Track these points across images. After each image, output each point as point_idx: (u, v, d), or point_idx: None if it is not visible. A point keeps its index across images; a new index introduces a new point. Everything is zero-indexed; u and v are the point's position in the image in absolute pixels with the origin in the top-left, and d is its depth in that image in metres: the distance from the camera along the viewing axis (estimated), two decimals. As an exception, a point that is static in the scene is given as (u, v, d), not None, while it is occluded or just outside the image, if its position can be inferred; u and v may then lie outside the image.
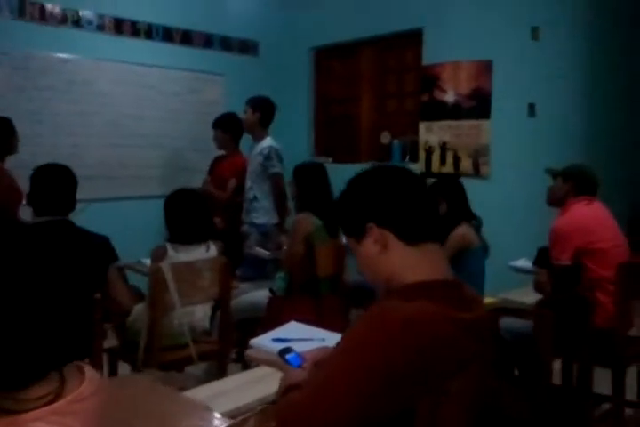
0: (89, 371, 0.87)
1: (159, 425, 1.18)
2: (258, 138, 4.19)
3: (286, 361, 1.51)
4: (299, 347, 1.62)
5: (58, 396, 0.80)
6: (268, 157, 4.03)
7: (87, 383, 0.85)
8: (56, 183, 2.36)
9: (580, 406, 2.24)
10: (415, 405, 1.07)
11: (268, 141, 4.12)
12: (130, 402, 1.27)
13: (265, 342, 1.85)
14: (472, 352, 1.16)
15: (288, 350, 1.56)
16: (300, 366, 1.47)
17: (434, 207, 1.29)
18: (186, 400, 1.37)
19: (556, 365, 2.71)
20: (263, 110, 4.16)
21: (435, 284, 1.18)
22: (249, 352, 1.88)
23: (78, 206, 2.48)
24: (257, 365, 1.90)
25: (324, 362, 1.16)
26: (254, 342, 1.89)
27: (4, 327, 0.80)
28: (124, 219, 4.55)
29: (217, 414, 1.32)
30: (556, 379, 2.72)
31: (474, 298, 1.25)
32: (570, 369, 2.68)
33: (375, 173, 1.31)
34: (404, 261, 1.20)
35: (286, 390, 1.28)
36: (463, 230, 3.15)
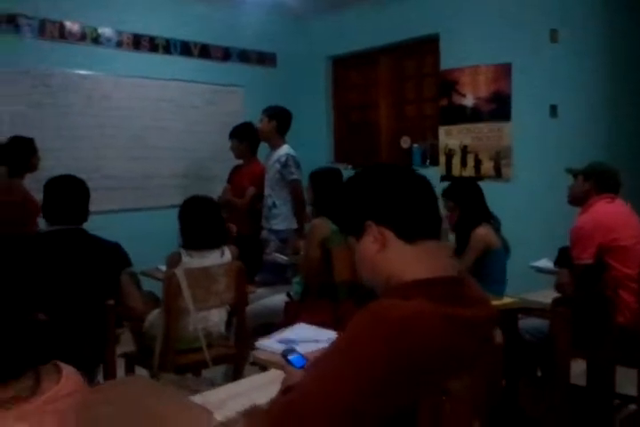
0: (66, 370, 0.86)
1: (148, 424, 1.16)
2: (275, 146, 4.24)
3: (289, 362, 1.49)
4: (305, 348, 1.60)
5: (32, 394, 0.80)
6: (285, 165, 4.08)
7: (64, 382, 0.84)
8: (68, 194, 2.39)
9: (603, 406, 2.16)
10: (415, 405, 1.03)
11: (285, 149, 4.17)
12: (124, 402, 1.26)
13: (271, 343, 1.84)
14: (473, 351, 1.12)
15: (291, 351, 1.54)
16: (302, 367, 1.44)
17: (434, 205, 1.25)
18: (185, 402, 1.35)
19: (582, 366, 2.64)
20: (279, 119, 4.21)
21: (434, 281, 1.14)
22: (255, 353, 1.87)
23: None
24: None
25: (318, 360, 1.13)
26: (261, 343, 1.87)
27: None
28: (146, 229, 4.62)
29: (217, 417, 1.29)
30: (582, 380, 2.64)
31: (478, 296, 1.20)
32: (594, 370, 2.60)
33: (374, 170, 1.29)
34: (403, 260, 1.18)
35: (285, 390, 1.26)
36: (484, 231, 3.12)
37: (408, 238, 1.18)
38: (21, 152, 3.72)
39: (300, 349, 1.58)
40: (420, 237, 1.18)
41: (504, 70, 4.55)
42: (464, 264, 3.06)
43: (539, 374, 2.88)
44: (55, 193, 2.39)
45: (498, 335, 1.28)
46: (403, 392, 1.02)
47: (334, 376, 1.03)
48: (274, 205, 4.15)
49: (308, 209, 3.85)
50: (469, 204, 3.20)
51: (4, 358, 0.80)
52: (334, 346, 1.09)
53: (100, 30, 4.66)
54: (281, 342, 1.84)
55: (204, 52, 5.30)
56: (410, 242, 1.18)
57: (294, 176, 4.08)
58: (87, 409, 0.88)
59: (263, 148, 4.51)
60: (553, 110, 4.37)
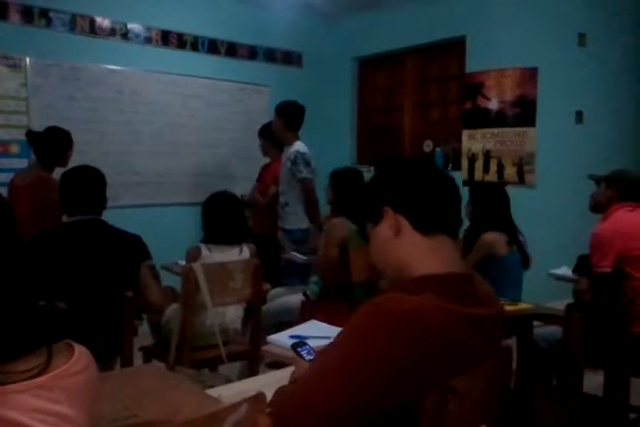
0: (79, 349, 0.89)
1: (159, 409, 1.20)
2: (288, 143, 4.19)
3: (299, 354, 1.51)
4: (315, 344, 1.61)
5: (44, 370, 0.82)
6: (294, 163, 4.02)
7: (75, 361, 0.86)
8: (85, 183, 2.42)
9: (617, 419, 2.14)
10: (419, 400, 1.04)
11: (295, 146, 4.10)
12: (134, 387, 1.30)
13: (283, 338, 1.86)
14: (480, 350, 1.12)
15: (301, 344, 1.57)
16: (311, 361, 1.46)
17: (455, 203, 1.25)
18: (195, 390, 1.39)
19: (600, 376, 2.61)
20: (286, 114, 4.15)
21: (443, 277, 1.15)
22: (265, 348, 1.89)
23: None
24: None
25: (323, 352, 1.15)
26: (272, 338, 1.90)
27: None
28: (168, 224, 4.69)
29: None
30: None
31: (487, 294, 1.21)
32: (610, 380, 2.57)
33: (400, 162, 1.33)
34: (415, 251, 1.18)
35: (293, 382, 1.28)
36: (492, 237, 3.08)
37: (423, 230, 1.18)
38: (56, 144, 3.57)
39: (311, 345, 1.60)
40: (436, 230, 1.19)
41: (530, 74, 4.52)
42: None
43: (554, 382, 2.86)
44: (72, 183, 2.42)
45: (511, 340, 1.28)
46: (404, 387, 1.03)
47: (336, 368, 1.04)
48: (286, 204, 4.12)
49: (327, 208, 3.84)
50: (485, 210, 3.17)
51: (16, 333, 0.82)
52: (339, 339, 1.10)
53: (130, 26, 4.72)
54: (292, 337, 1.86)
55: (231, 50, 5.33)
56: (424, 234, 1.18)
57: (303, 175, 4.00)
58: (99, 391, 0.90)
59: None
60: (578, 116, 4.33)
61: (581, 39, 4.29)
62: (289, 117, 4.15)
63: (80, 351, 0.89)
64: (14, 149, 4.21)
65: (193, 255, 2.81)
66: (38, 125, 3.88)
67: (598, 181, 3.12)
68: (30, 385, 0.80)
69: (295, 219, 4.10)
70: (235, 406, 0.99)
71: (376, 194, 1.26)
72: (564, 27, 4.30)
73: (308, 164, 4.02)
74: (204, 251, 2.81)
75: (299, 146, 4.10)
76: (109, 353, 2.33)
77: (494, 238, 3.09)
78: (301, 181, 4.02)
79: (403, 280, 1.19)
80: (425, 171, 1.25)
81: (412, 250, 1.19)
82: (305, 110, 4.24)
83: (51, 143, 3.56)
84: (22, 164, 3.99)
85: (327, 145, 4.82)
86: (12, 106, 4.22)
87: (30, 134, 3.64)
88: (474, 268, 2.99)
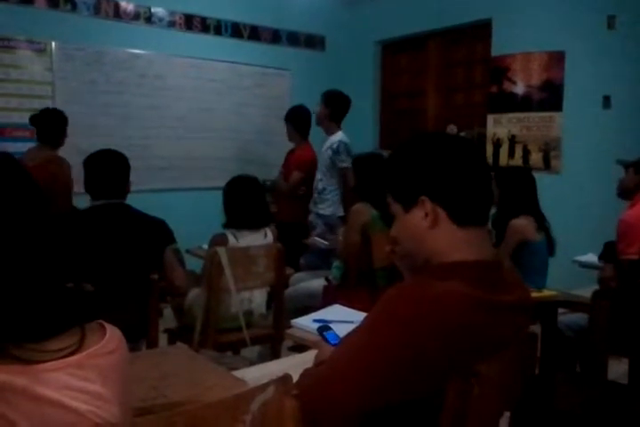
0: (111, 329, 0.90)
1: (187, 389, 1.21)
2: (329, 132, 4.27)
3: (324, 338, 1.52)
4: (339, 328, 1.62)
5: (77, 350, 0.83)
6: (337, 152, 4.12)
7: (107, 341, 0.88)
8: (109, 167, 2.42)
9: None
10: (443, 386, 1.04)
11: (338, 136, 4.19)
12: (162, 368, 1.32)
13: (307, 321, 1.87)
14: (504, 336, 1.12)
15: (327, 327, 1.58)
16: (336, 345, 1.47)
17: (490, 191, 1.22)
18: (222, 373, 1.40)
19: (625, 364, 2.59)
20: (334, 105, 4.23)
21: (470, 264, 1.13)
22: (289, 331, 1.90)
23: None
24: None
25: (349, 335, 1.15)
26: (296, 321, 1.91)
27: (33, 282, 0.84)
28: (192, 208, 4.72)
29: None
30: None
31: (514, 281, 1.20)
32: (635, 368, 2.56)
33: (441, 142, 1.22)
34: (450, 242, 1.15)
35: (318, 365, 1.29)
36: (521, 222, 3.04)
37: (459, 222, 1.15)
38: (58, 123, 3.69)
39: (335, 329, 1.61)
40: (472, 222, 1.16)
41: (557, 58, 4.44)
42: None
43: (578, 369, 2.84)
44: (96, 168, 2.42)
45: (535, 327, 1.27)
46: (431, 373, 1.03)
47: (360, 354, 1.05)
48: (323, 190, 4.20)
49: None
50: (513, 194, 3.12)
51: (48, 313, 0.84)
52: (364, 324, 1.10)
53: (154, 10, 4.73)
54: (316, 321, 1.87)
55: (254, 33, 5.33)
56: (460, 225, 1.15)
57: (345, 164, 4.07)
58: (130, 371, 0.91)
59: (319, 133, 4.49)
60: (606, 101, 4.25)
61: (610, 22, 4.19)
62: (336, 109, 4.23)
63: (112, 331, 0.90)
64: (40, 133, 4.25)
65: (219, 242, 2.77)
66: (63, 109, 3.88)
67: (627, 166, 3.07)
68: (64, 364, 0.81)
69: (331, 205, 4.19)
70: (262, 388, 1.00)
71: (413, 180, 1.18)
72: (592, 9, 4.21)
73: (349, 153, 4.12)
74: (231, 239, 2.78)
75: (341, 136, 4.20)
76: (135, 335, 2.36)
77: (524, 223, 3.05)
78: (343, 169, 4.10)
79: (431, 265, 1.17)
80: (466, 157, 1.18)
81: (447, 240, 1.15)
82: (351, 103, 4.30)
83: (54, 123, 3.68)
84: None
85: (349, 129, 4.78)
86: (37, 90, 4.26)
87: (34, 118, 3.72)
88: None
